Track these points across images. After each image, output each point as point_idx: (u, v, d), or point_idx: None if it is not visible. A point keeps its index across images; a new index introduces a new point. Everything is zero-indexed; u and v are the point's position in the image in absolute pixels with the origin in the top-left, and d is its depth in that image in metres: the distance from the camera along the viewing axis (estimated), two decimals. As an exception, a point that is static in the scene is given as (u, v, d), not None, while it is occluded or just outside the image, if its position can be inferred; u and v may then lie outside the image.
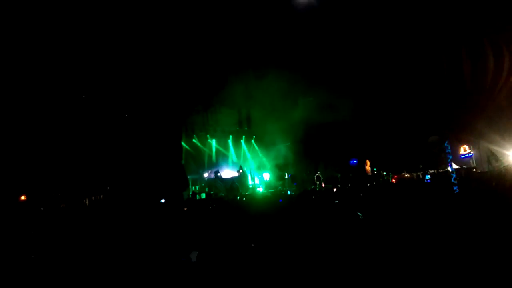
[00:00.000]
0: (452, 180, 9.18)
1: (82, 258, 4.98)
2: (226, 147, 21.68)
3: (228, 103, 19.72)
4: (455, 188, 7.92)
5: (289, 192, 16.09)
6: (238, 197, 14.00)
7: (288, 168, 19.71)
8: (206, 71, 16.01)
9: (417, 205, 6.37)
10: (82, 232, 6.61)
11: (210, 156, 21.00)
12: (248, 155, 22.26)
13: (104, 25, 12.65)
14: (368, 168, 17.49)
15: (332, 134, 18.96)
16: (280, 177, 19.73)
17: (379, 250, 4.25)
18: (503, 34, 13.86)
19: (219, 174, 18.51)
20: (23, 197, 12.55)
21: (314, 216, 6.11)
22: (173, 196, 13.69)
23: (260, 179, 20.86)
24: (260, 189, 19.24)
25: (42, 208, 12.05)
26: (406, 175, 17.20)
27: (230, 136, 21.67)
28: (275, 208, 8.20)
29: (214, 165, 20.51)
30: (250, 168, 21.44)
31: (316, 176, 18.10)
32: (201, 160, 20.54)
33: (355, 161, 18.84)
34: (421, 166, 16.56)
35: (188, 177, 17.39)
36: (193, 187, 18.32)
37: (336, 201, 7.92)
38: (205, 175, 19.72)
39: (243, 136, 22.02)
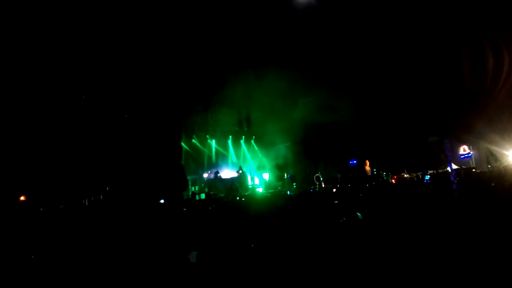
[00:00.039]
0: (452, 178, 9.19)
1: (82, 258, 4.98)
2: (225, 147, 21.67)
3: (227, 103, 19.72)
4: (454, 186, 7.92)
5: (288, 192, 16.08)
6: (238, 198, 14.00)
7: (287, 168, 19.69)
8: (205, 71, 16.02)
9: (416, 205, 6.37)
10: (82, 232, 6.60)
11: (209, 157, 20.99)
12: (248, 155, 22.25)
13: (103, 26, 12.65)
14: (367, 168, 17.48)
15: (331, 135, 18.97)
16: (280, 178, 19.72)
17: (378, 250, 4.25)
18: (503, 35, 13.88)
19: (219, 174, 18.51)
20: (22, 198, 12.55)
21: (313, 217, 6.11)
22: (172, 197, 13.69)
23: (260, 179, 20.85)
24: (259, 190, 19.23)
25: (41, 209, 12.03)
26: (405, 175, 17.21)
27: (230, 137, 21.67)
28: (275, 208, 8.20)
29: (213, 165, 20.50)
30: (250, 168, 21.43)
31: (316, 176, 18.09)
32: (201, 161, 20.54)
33: (355, 162, 18.83)
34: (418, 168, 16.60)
35: (188, 177, 17.40)
36: (193, 188, 18.31)
37: (336, 202, 7.91)
38: (205, 175, 19.71)
39: (243, 137, 22.02)
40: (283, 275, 3.94)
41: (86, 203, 13.51)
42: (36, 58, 12.19)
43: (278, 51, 16.12)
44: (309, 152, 19.87)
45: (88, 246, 5.52)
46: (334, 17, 14.96)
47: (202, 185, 19.24)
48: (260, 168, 21.50)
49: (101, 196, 13.84)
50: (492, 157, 15.46)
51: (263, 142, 21.46)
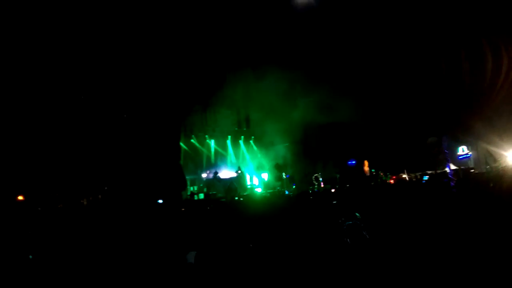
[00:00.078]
0: (449, 175, 9.22)
1: (80, 258, 4.97)
2: (224, 147, 21.66)
3: (226, 104, 19.72)
4: (451, 183, 7.94)
5: (287, 192, 16.09)
6: (236, 198, 14.00)
7: (286, 168, 19.69)
8: (204, 72, 16.01)
9: (414, 206, 6.37)
10: (80, 232, 6.59)
11: (208, 157, 20.97)
12: (247, 155, 22.25)
13: (102, 26, 12.63)
14: (366, 168, 17.50)
15: (330, 135, 18.99)
16: (279, 178, 19.72)
17: (377, 250, 4.25)
18: (501, 35, 13.89)
19: (217, 174, 18.52)
20: (20, 197, 12.51)
21: (312, 217, 6.11)
22: (171, 197, 13.68)
23: (259, 179, 20.85)
24: (258, 190, 19.23)
25: (39, 208, 12.01)
26: (404, 176, 17.22)
27: (229, 137, 21.66)
28: (273, 208, 8.20)
29: (212, 165, 20.49)
30: (249, 168, 21.42)
31: (315, 176, 18.10)
32: (200, 161, 20.52)
33: (354, 162, 18.86)
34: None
35: (187, 177, 17.39)
36: (192, 188, 18.30)
37: (334, 202, 7.92)
38: (204, 175, 19.70)
39: (242, 137, 22.01)
40: (281, 275, 3.94)
41: (85, 202, 13.49)
42: (35, 58, 12.17)
43: (277, 51, 16.13)
44: (308, 152, 19.89)
45: (86, 246, 5.51)
46: (333, 17, 14.97)
47: (201, 185, 19.22)
48: (259, 168, 21.50)
49: (100, 196, 13.82)
50: (490, 157, 15.48)
51: (262, 142, 21.46)
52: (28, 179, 12.37)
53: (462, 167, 15.74)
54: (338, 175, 18.18)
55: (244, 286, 3.94)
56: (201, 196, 16.61)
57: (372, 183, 16.47)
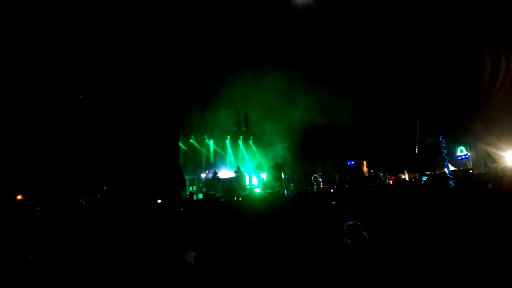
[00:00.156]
0: (448, 174, 9.24)
1: (79, 257, 4.97)
2: (223, 147, 21.67)
3: (226, 104, 19.73)
4: (450, 182, 7.97)
5: (286, 192, 16.08)
6: (236, 198, 14.00)
7: (286, 168, 19.68)
8: (204, 72, 16.01)
9: (413, 206, 6.38)
10: (79, 232, 6.58)
11: (207, 157, 20.98)
12: (246, 155, 22.25)
13: (102, 26, 12.62)
14: (365, 169, 17.52)
15: (330, 135, 19.00)
16: (278, 178, 19.71)
17: (376, 250, 4.25)
18: (500, 37, 13.93)
19: (217, 174, 18.52)
20: (19, 197, 12.50)
21: (311, 217, 6.11)
22: (170, 196, 13.67)
23: (258, 179, 20.85)
24: (257, 190, 19.22)
25: (38, 208, 12.00)
26: (403, 176, 17.25)
27: (228, 137, 21.66)
28: (272, 209, 8.20)
29: (211, 165, 20.50)
30: (248, 168, 21.42)
31: (314, 177, 18.11)
32: (199, 161, 20.53)
33: (353, 162, 18.87)
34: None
35: (186, 177, 17.39)
36: (191, 188, 18.30)
37: (333, 202, 7.93)
38: (203, 175, 19.70)
39: (241, 137, 22.02)
40: (281, 275, 3.94)
41: (84, 202, 13.48)
42: (35, 58, 12.16)
43: (276, 51, 16.14)
44: (307, 153, 19.90)
45: (85, 245, 5.50)
46: (332, 18, 14.99)
47: (200, 185, 19.22)
48: (258, 168, 21.50)
49: (99, 196, 13.81)
50: (489, 158, 15.52)
51: (261, 143, 21.46)
52: (27, 179, 12.36)
53: (460, 168, 15.78)
54: (337, 176, 18.20)
55: (244, 286, 3.94)
56: (200, 196, 16.61)
57: (371, 184, 16.48)
